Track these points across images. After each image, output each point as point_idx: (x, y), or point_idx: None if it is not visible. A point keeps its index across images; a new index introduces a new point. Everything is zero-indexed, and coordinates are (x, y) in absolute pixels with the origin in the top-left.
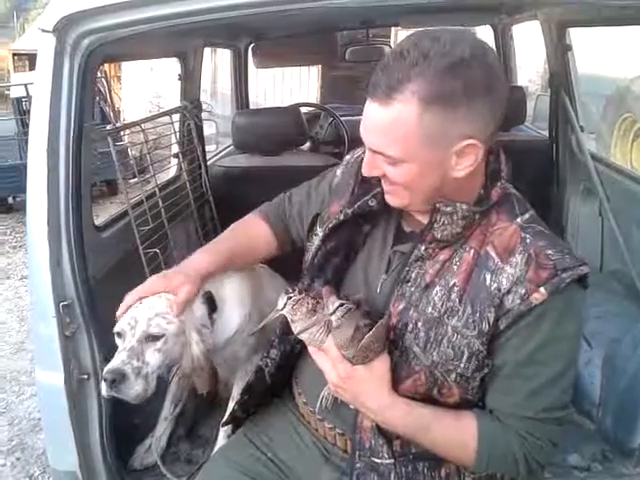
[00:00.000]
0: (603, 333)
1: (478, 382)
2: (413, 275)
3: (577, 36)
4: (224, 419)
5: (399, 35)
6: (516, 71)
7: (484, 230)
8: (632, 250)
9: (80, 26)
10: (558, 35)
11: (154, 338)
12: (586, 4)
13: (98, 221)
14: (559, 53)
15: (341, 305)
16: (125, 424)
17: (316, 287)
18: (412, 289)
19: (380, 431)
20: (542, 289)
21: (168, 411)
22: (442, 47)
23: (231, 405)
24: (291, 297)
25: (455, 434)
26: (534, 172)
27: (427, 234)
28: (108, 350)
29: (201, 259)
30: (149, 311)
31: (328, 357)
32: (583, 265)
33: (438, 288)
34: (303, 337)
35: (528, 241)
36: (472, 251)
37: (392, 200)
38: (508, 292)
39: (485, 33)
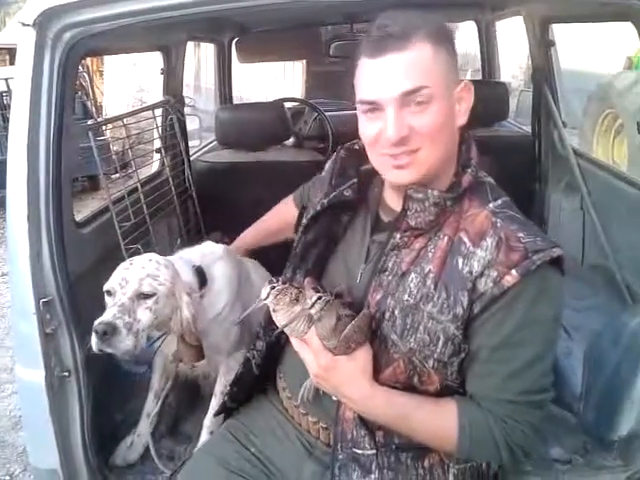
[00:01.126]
0: (584, 326)
1: (456, 367)
2: (390, 264)
3: (560, 32)
4: (215, 410)
5: None
6: (499, 67)
7: (457, 217)
8: (613, 244)
9: (61, 20)
10: (541, 31)
11: (145, 296)
12: (568, 0)
13: (79, 217)
14: (542, 49)
15: (319, 298)
16: (107, 421)
17: (298, 278)
18: (389, 278)
19: (362, 422)
20: (514, 271)
21: (151, 407)
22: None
23: (214, 402)
24: (274, 287)
25: (436, 421)
26: (517, 167)
27: (401, 222)
28: (89, 347)
29: (239, 240)
30: (141, 271)
31: (310, 348)
32: (555, 247)
33: (414, 275)
34: (285, 329)
35: (499, 225)
36: (446, 238)
37: (406, 174)
38: (480, 275)
39: (469, 29)
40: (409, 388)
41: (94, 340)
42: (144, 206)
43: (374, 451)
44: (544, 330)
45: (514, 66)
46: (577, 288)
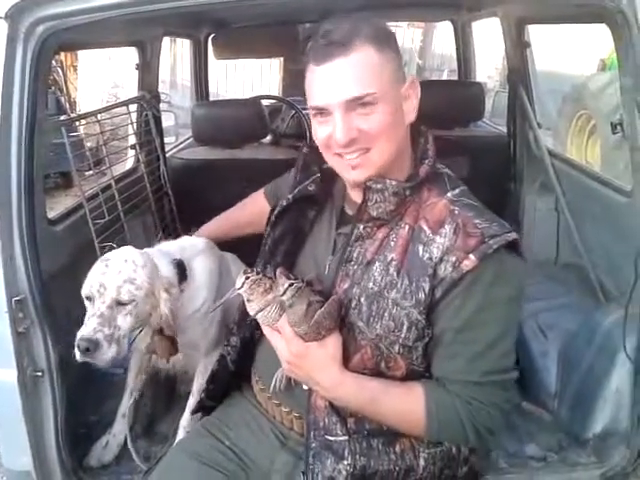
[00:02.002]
0: (559, 325)
1: (421, 352)
2: (355, 254)
3: (536, 33)
4: (192, 408)
5: None
6: (475, 67)
7: (417, 207)
8: (587, 244)
9: (34, 12)
10: (517, 32)
11: (124, 303)
12: (544, 2)
13: (52, 214)
14: (518, 50)
15: (290, 285)
16: (81, 421)
17: (269, 272)
18: (355, 267)
19: (333, 409)
20: (471, 256)
21: (126, 407)
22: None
23: (191, 401)
24: (249, 277)
25: (404, 405)
26: (492, 167)
27: (363, 213)
28: (62, 346)
29: (203, 229)
30: (117, 277)
31: (281, 335)
32: (510, 232)
33: (378, 264)
34: (258, 317)
35: (456, 212)
36: (407, 227)
37: (359, 173)
38: (440, 261)
39: (445, 29)
40: (377, 374)
41: (77, 354)
42: (118, 203)
43: (346, 437)
44: (503, 311)
45: (490, 67)
46: (551, 287)
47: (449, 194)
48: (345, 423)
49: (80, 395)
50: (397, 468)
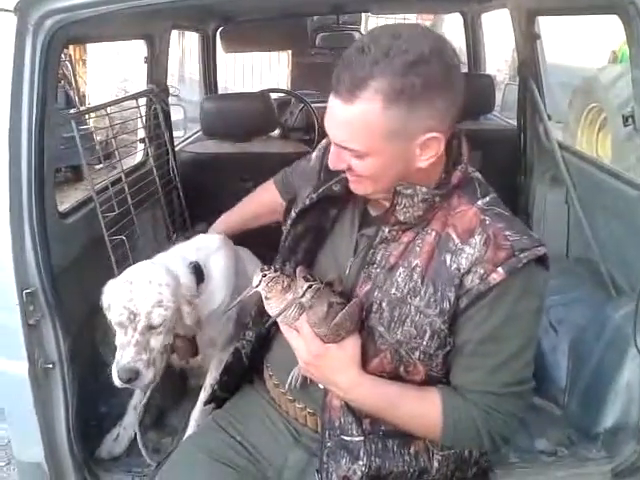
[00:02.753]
0: (569, 319)
1: (441, 359)
2: (378, 257)
3: (546, 25)
4: (205, 398)
5: (369, 22)
6: (485, 60)
7: (446, 213)
8: (597, 237)
9: (43, 5)
10: (527, 24)
11: (155, 327)
12: None
13: (62, 208)
14: (528, 42)
15: (309, 287)
16: (92, 413)
17: (288, 270)
18: (377, 270)
19: (349, 409)
20: (500, 269)
21: (138, 399)
22: (402, 44)
23: (202, 395)
24: (266, 275)
25: (421, 409)
26: (502, 160)
27: (390, 216)
28: (73, 338)
29: (221, 224)
30: (145, 303)
31: (300, 335)
32: (540, 246)
33: (401, 269)
34: (277, 317)
35: (487, 223)
36: (434, 233)
37: (356, 188)
38: (468, 272)
39: (455, 21)
40: (395, 377)
41: (117, 382)
42: (128, 197)
43: (362, 438)
44: (527, 324)
45: (499, 59)
46: (562, 281)
47: (480, 202)
48: (361, 423)
49: (91, 387)
50: (411, 470)
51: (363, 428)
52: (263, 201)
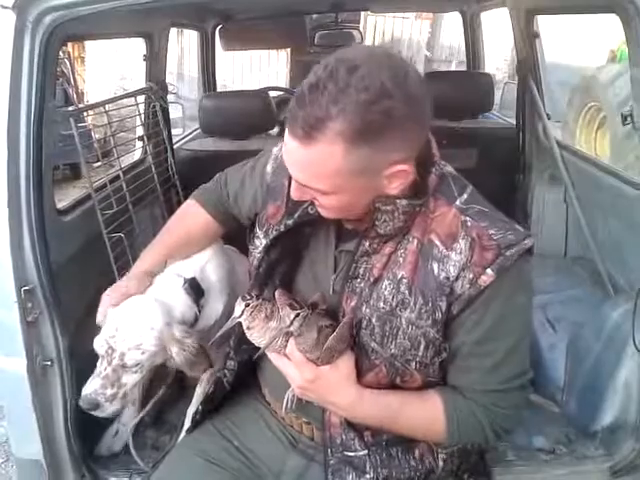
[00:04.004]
0: (567, 318)
1: (438, 366)
2: (361, 271)
3: (545, 24)
4: (186, 426)
5: (368, 20)
6: (484, 58)
7: (425, 218)
8: (596, 236)
9: (41, 3)
10: (526, 22)
11: (129, 367)
12: None
13: (61, 205)
14: (527, 41)
15: (297, 315)
16: None
17: (267, 294)
18: (362, 285)
19: (349, 425)
20: (489, 270)
21: (135, 395)
22: (361, 80)
23: (199, 389)
24: (249, 304)
25: (423, 414)
26: (501, 158)
27: (370, 231)
28: (71, 336)
29: (141, 264)
30: (123, 344)
31: (291, 361)
32: (527, 238)
33: (387, 282)
34: (265, 348)
35: (469, 224)
36: (415, 241)
37: (328, 215)
38: (457, 279)
39: (454, 20)
40: (392, 388)
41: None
42: (127, 194)
43: (365, 451)
44: (521, 319)
45: (498, 58)
46: (560, 279)
47: (457, 202)
48: (362, 437)
49: None
50: (418, 473)
51: (365, 441)
52: (192, 230)
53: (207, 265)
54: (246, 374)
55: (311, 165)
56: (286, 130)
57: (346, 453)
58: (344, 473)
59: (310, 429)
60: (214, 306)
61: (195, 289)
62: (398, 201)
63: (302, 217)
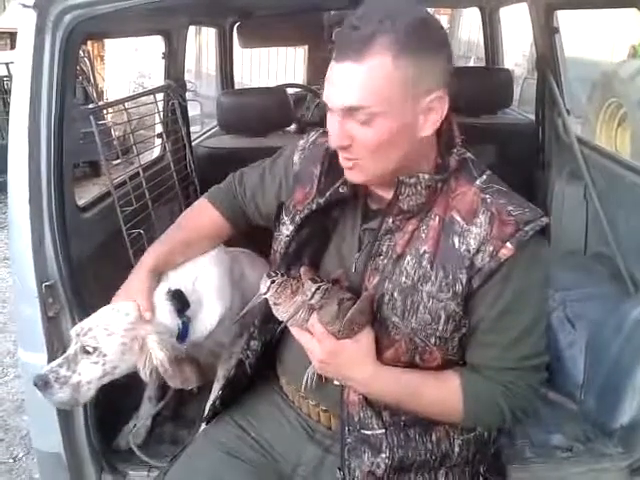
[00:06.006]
0: (587, 315)
1: (457, 342)
2: (384, 248)
3: (565, 19)
4: (216, 394)
5: None
6: (503, 54)
7: (446, 197)
8: (616, 233)
9: (62, 1)
10: (545, 18)
11: (88, 351)
12: None
13: (81, 202)
14: (546, 36)
15: (318, 288)
16: (110, 404)
17: (294, 273)
18: (385, 261)
19: (368, 403)
20: (509, 244)
21: (151, 390)
22: (402, 7)
23: (216, 386)
24: (274, 280)
25: (441, 393)
26: (520, 154)
27: (393, 207)
28: None
29: (147, 258)
30: (91, 322)
31: (313, 335)
32: (543, 217)
33: (409, 257)
34: (287, 321)
35: (489, 201)
36: (437, 218)
37: (354, 175)
38: (477, 252)
39: (472, 15)
40: (411, 366)
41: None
42: (146, 191)
43: (383, 430)
44: (538, 295)
45: (517, 54)
46: (580, 277)
47: (478, 181)
48: (381, 416)
49: None
50: (434, 457)
51: (384, 420)
52: (210, 226)
53: (199, 277)
54: (265, 366)
55: (363, 80)
56: (333, 58)
57: (363, 431)
58: (360, 452)
59: (327, 417)
60: (205, 319)
61: (178, 300)
62: (421, 175)
63: (333, 195)
